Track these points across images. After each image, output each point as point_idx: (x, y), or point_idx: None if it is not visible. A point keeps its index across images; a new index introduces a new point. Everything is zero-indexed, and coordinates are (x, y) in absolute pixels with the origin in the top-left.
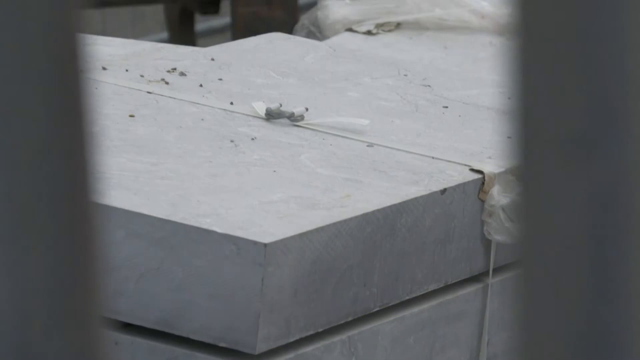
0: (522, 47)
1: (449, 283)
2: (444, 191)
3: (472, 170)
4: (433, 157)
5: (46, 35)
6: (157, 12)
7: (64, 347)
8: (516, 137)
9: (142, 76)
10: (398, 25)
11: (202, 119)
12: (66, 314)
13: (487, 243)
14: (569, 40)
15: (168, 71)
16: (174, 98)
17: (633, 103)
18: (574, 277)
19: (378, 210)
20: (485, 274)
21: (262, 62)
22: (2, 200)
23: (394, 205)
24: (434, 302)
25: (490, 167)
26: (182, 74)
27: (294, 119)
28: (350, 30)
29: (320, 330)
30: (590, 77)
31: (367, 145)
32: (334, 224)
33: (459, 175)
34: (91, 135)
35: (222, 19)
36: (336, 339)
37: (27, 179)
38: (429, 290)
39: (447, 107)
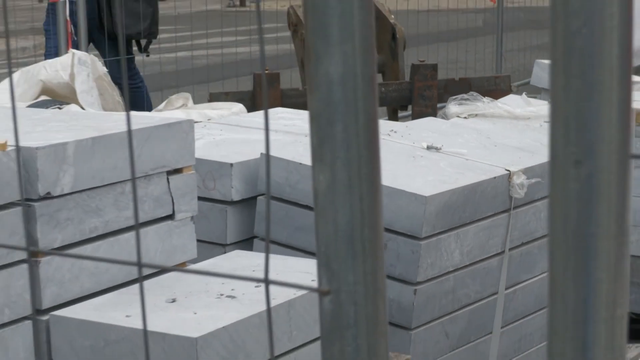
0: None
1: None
2: (494, 178)
3: (507, 169)
4: (489, 165)
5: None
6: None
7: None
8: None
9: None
10: (476, 115)
11: (404, 148)
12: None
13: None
14: None
15: (390, 131)
16: (396, 141)
17: None
18: None
19: (468, 185)
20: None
21: (425, 128)
22: (329, 174)
23: (472, 184)
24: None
25: (513, 168)
26: (395, 132)
27: (437, 149)
28: (457, 117)
29: (447, 229)
30: None
31: (466, 159)
32: (452, 190)
33: (503, 169)
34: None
35: (408, 112)
36: (452, 233)
37: (345, 165)
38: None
39: (497, 146)
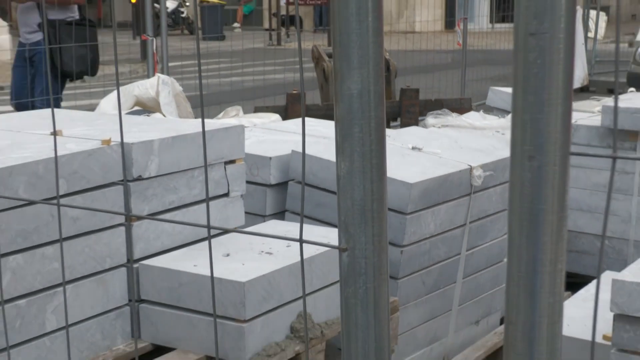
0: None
1: (469, 193)
2: (463, 170)
3: (469, 165)
4: (456, 161)
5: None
6: None
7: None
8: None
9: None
10: (447, 125)
11: (395, 148)
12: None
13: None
14: None
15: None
16: (390, 143)
17: None
18: None
19: (441, 176)
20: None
21: (411, 134)
22: (349, 163)
23: (444, 174)
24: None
25: (473, 164)
26: (389, 137)
27: (419, 149)
28: (433, 127)
29: (425, 207)
30: None
31: (439, 157)
32: (430, 179)
33: (466, 165)
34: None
35: (397, 123)
36: (429, 210)
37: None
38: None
39: (462, 148)
